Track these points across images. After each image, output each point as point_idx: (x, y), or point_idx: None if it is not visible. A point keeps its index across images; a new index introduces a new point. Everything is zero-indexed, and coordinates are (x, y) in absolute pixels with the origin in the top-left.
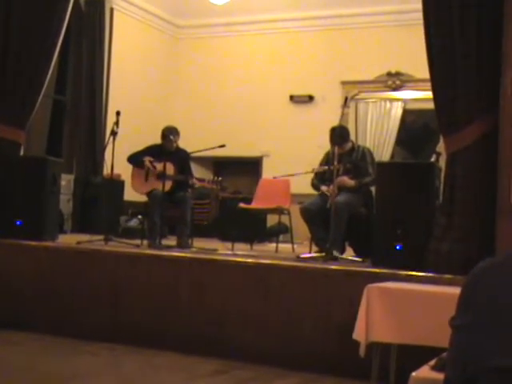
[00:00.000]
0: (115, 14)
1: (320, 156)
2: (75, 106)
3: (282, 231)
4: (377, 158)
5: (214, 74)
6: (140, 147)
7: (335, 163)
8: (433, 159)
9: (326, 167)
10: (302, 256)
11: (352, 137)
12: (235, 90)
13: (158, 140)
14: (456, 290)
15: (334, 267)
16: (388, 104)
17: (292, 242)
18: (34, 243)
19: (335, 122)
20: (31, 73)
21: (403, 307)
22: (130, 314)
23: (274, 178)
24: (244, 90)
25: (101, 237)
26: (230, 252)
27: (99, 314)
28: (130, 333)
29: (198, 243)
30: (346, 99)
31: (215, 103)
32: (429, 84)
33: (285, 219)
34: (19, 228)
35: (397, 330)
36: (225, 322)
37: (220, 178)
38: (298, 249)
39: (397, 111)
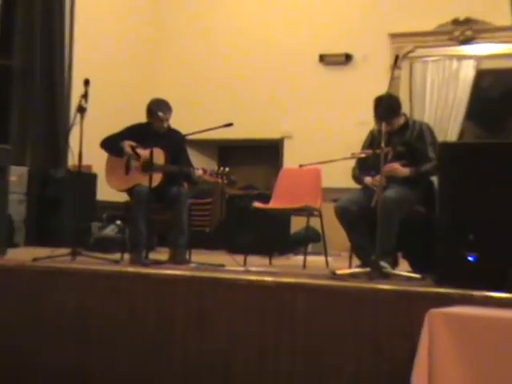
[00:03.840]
0: None
1: (362, 136)
2: (27, 73)
3: (311, 239)
4: (440, 137)
5: (216, 29)
6: (118, 128)
7: (382, 145)
8: None
9: (370, 151)
10: (339, 272)
11: (405, 109)
12: (245, 49)
13: (141, 118)
14: None
15: (383, 287)
16: (455, 63)
17: (325, 254)
18: None
19: (382, 90)
20: None
21: (481, 342)
22: (105, 355)
23: (301, 166)
24: (257, 49)
25: (66, 251)
26: (241, 268)
27: (64, 356)
28: (105, 381)
29: (199, 257)
30: (397, 58)
31: (218, 69)
32: (511, 34)
33: (315, 223)
34: None
35: (473, 376)
36: (235, 364)
37: (227, 169)
38: (333, 263)
39: (467, 72)
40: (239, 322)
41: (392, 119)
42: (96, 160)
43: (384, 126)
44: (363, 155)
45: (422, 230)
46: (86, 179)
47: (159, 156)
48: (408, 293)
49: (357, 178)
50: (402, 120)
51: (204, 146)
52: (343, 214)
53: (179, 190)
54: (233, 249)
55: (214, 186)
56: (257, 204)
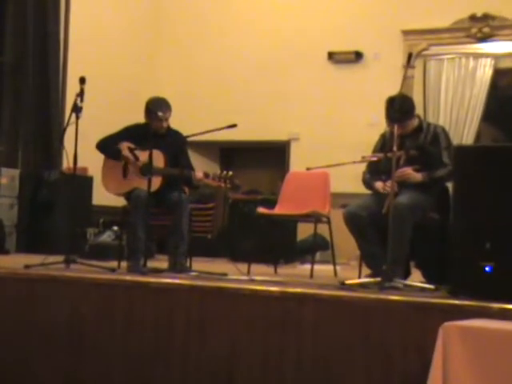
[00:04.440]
0: None
1: (372, 138)
2: (19, 70)
3: (318, 247)
4: (456, 140)
5: (219, 24)
6: (115, 128)
7: (395, 149)
8: None
9: (382, 155)
10: (348, 282)
11: (419, 110)
12: (251, 46)
13: (139, 118)
14: None
15: (394, 298)
16: (472, 61)
17: (333, 263)
18: None
19: (394, 90)
20: None
21: (498, 357)
22: (100, 366)
23: (308, 169)
24: (263, 46)
25: (59, 258)
26: (244, 277)
27: (57, 366)
28: None
29: (200, 265)
30: (410, 56)
31: (221, 67)
32: None
33: (323, 230)
34: None
35: None
36: (237, 379)
37: (230, 173)
38: (342, 272)
39: (484, 71)
40: (242, 335)
41: (405, 121)
42: (92, 162)
43: (396, 129)
44: (374, 159)
45: (435, 238)
46: (81, 182)
47: (158, 158)
48: (421, 304)
49: (367, 182)
50: (415, 122)
51: (206, 147)
52: (353, 221)
53: (180, 194)
54: (236, 257)
55: (217, 191)
56: (261, 209)
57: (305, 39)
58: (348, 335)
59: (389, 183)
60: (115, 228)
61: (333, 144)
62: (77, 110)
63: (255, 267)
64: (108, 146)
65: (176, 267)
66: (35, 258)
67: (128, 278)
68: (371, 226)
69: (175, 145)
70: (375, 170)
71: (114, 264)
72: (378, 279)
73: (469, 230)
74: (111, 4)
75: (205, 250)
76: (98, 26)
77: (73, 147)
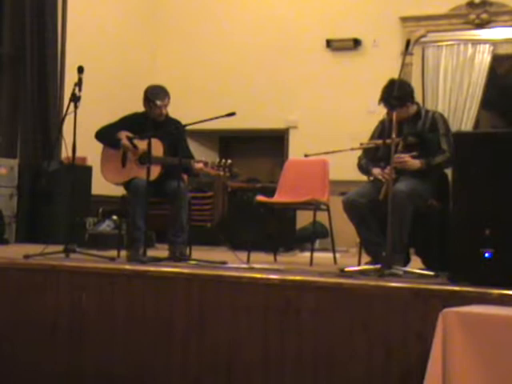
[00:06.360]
0: None
1: (371, 126)
2: (17, 60)
3: (318, 234)
4: (455, 127)
5: (218, 12)
6: (114, 117)
7: (393, 135)
8: None
9: (380, 141)
10: (348, 269)
11: (417, 97)
12: (248, 34)
13: (138, 107)
14: None
15: (394, 285)
16: (470, 48)
17: (333, 250)
18: None
19: (392, 76)
20: None
21: (498, 343)
22: (100, 358)
23: (306, 156)
24: (261, 34)
25: (59, 247)
26: (244, 265)
27: (57, 357)
28: (100, 383)
29: (199, 253)
30: (408, 43)
31: (218, 55)
32: None
33: (322, 217)
34: None
35: (490, 378)
36: (237, 366)
37: (229, 161)
38: (341, 259)
39: (483, 58)
40: (242, 322)
41: (403, 107)
42: (91, 152)
43: (395, 115)
44: (372, 145)
45: (435, 225)
46: (80, 172)
47: (157, 147)
48: (421, 291)
49: (363, 167)
50: (414, 108)
51: (204, 136)
52: (352, 208)
53: (179, 183)
54: (235, 245)
55: (215, 179)
56: (261, 198)
57: (303, 27)
58: (348, 322)
59: (388, 170)
60: (114, 217)
61: (331, 131)
62: (75, 99)
63: (255, 255)
64: (107, 135)
65: (176, 256)
66: (35, 248)
67: (128, 266)
68: (371, 213)
69: (174, 133)
70: (374, 157)
71: (113, 253)
72: (378, 266)
73: (468, 217)
74: None
75: (204, 238)
76: (95, 15)
77: (71, 137)
